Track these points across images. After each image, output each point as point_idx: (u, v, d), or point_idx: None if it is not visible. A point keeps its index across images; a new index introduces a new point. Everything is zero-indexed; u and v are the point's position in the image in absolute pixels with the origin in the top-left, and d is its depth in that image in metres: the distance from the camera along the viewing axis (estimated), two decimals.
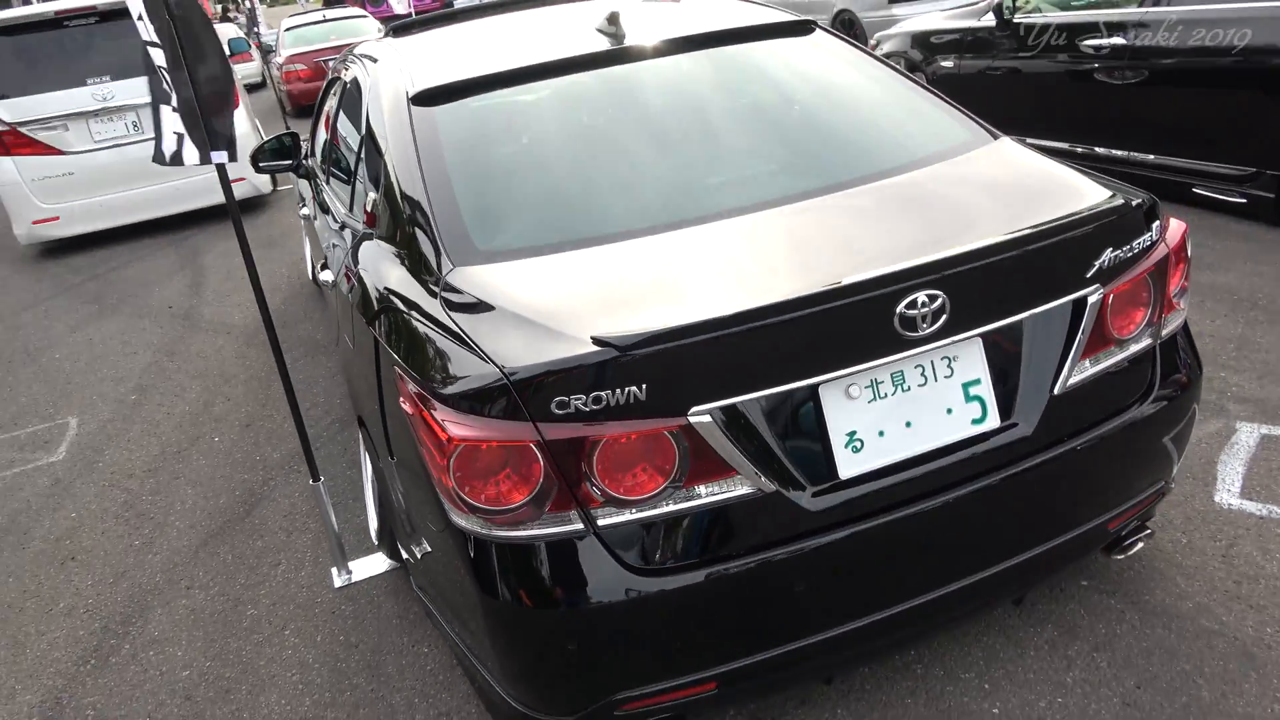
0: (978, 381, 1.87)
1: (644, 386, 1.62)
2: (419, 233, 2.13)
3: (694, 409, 1.65)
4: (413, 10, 17.82)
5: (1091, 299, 1.90)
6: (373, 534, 2.91)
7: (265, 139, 4.34)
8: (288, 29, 14.02)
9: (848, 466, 1.78)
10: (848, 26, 10.70)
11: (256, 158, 4.25)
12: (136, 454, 3.87)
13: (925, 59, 6.40)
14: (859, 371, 1.75)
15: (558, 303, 1.81)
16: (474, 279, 1.93)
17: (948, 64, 6.20)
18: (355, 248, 2.54)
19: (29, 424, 4.34)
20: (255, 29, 13.45)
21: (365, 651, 2.51)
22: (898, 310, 1.70)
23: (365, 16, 14.37)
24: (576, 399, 1.62)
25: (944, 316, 1.74)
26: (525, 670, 1.80)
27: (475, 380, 1.66)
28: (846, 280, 1.68)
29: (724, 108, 2.52)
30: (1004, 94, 5.82)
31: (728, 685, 1.85)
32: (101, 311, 5.90)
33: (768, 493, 1.73)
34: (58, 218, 7.31)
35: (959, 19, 6.29)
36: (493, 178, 2.27)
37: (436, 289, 1.96)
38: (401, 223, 2.22)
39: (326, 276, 3.07)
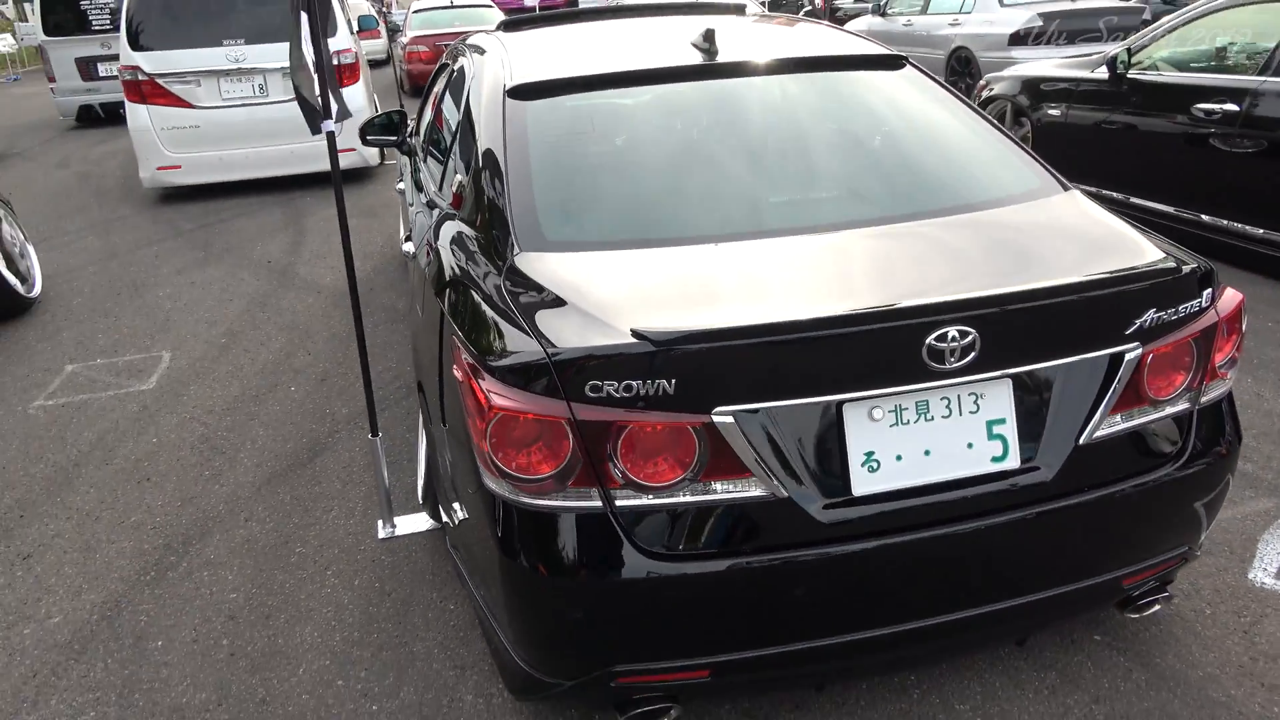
0: (1003, 421, 1.92)
1: (673, 381, 1.73)
2: (495, 217, 2.27)
3: (718, 409, 1.75)
4: (537, 5, 18.27)
5: (1129, 356, 1.93)
6: (419, 494, 3.07)
7: (376, 114, 4.57)
8: (415, 10, 14.54)
9: (862, 484, 1.85)
10: (964, 64, 10.61)
11: (365, 131, 4.49)
12: (219, 392, 4.14)
13: (1032, 105, 6.34)
14: (883, 395, 1.83)
15: (609, 295, 1.93)
16: (537, 265, 2.07)
17: (1054, 112, 6.14)
18: (438, 225, 2.71)
19: (126, 353, 4.66)
20: (384, 7, 13.98)
21: (397, 601, 2.67)
22: (927, 342, 1.76)
23: (491, 7, 14.79)
24: (609, 385, 1.73)
25: (973, 354, 1.79)
26: (533, 632, 1.92)
27: (520, 356, 1.79)
28: (878, 307, 1.77)
29: (801, 131, 2.60)
30: (1110, 149, 5.73)
31: (720, 675, 1.94)
32: (207, 258, 6.27)
33: (780, 498, 1.82)
34: (180, 166, 7.77)
35: (1071, 68, 6.22)
36: (569, 173, 2.40)
37: (502, 270, 2.10)
38: (481, 206, 2.36)
39: (409, 248, 3.25)
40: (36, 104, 14.60)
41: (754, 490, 1.82)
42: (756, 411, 1.78)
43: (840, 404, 1.82)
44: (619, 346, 1.73)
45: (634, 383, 1.73)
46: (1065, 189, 2.46)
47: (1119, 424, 1.99)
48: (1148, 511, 2.07)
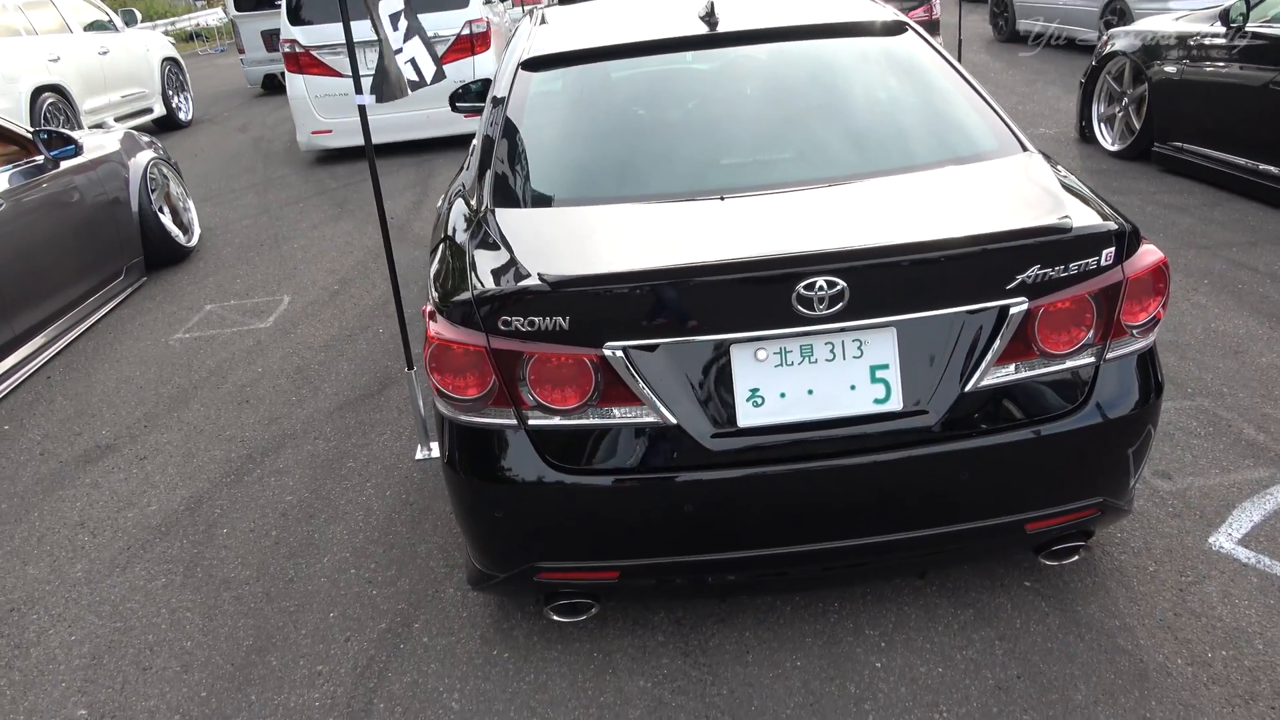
0: (886, 366, 2.09)
1: (568, 319, 2.02)
2: (481, 175, 2.61)
3: (609, 344, 2.03)
4: None
5: (1014, 310, 2.06)
6: None
7: (471, 81, 4.97)
8: None
9: (747, 417, 2.09)
10: (1120, 16, 10.00)
11: (455, 99, 4.91)
12: (320, 331, 4.72)
13: (1145, 63, 6.04)
14: (766, 338, 2.05)
15: (541, 245, 2.23)
16: (502, 220, 2.39)
17: (1170, 69, 5.84)
18: (451, 183, 3.08)
19: (255, 296, 5.35)
20: None
21: (415, 510, 3.10)
22: (796, 290, 1.97)
23: None
24: (517, 320, 2.04)
25: (842, 303, 1.98)
26: (471, 531, 2.28)
27: (456, 295, 2.13)
28: (749, 257, 1.99)
29: (775, 97, 2.79)
30: (1227, 108, 5.42)
31: (627, 578, 2.23)
32: (340, 214, 6.96)
33: (670, 425, 2.08)
34: (331, 130, 8.55)
35: (1193, 21, 5.88)
36: (549, 138, 2.70)
37: (471, 224, 2.45)
38: (477, 165, 2.71)
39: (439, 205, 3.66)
40: (234, 74, 16.11)
41: (648, 417, 2.09)
42: (647, 348, 2.04)
43: (728, 344, 2.05)
44: (523, 288, 2.04)
45: (536, 319, 2.03)
46: (1024, 150, 2.54)
47: (1011, 374, 2.12)
48: (1044, 460, 2.18)
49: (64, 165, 5.03)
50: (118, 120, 10.31)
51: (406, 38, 3.31)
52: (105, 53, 10.28)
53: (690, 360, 2.06)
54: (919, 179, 2.36)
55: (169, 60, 11.81)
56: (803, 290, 1.97)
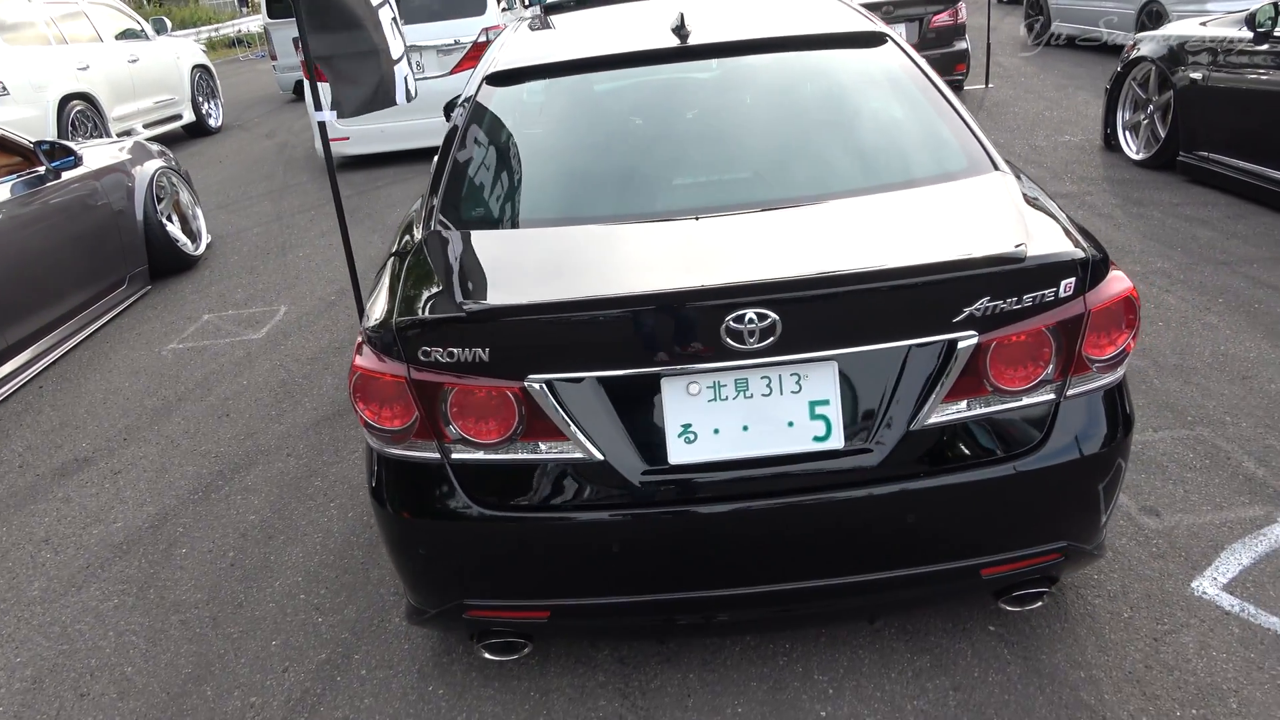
0: (826, 402, 1.97)
1: (488, 350, 1.93)
2: (430, 195, 2.54)
3: (531, 376, 1.94)
4: None
5: (963, 344, 1.93)
6: None
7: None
8: None
9: (678, 454, 1.98)
10: (1155, 19, 9.69)
11: (449, 109, 4.86)
12: (310, 344, 4.69)
13: (1170, 69, 5.82)
14: (700, 371, 1.94)
15: (474, 270, 2.16)
16: (439, 243, 2.32)
17: (1195, 75, 5.61)
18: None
19: (253, 306, 5.35)
20: None
21: (373, 533, 3.04)
22: (726, 322, 1.86)
23: None
24: (436, 351, 1.96)
25: (774, 335, 1.87)
26: (399, 566, 2.20)
27: (379, 323, 2.06)
28: (677, 289, 1.89)
29: (738, 114, 2.68)
30: (1250, 116, 5.19)
31: (559, 618, 2.14)
32: (351, 221, 6.94)
33: (596, 462, 1.98)
34: (348, 138, 8.57)
35: (1220, 26, 5.65)
36: (499, 156, 2.62)
37: (412, 247, 2.37)
38: (429, 184, 2.64)
39: None
40: (270, 79, 16.28)
41: (574, 453, 1.99)
42: (572, 380, 1.95)
43: (658, 377, 1.95)
44: (441, 317, 1.96)
45: (455, 350, 1.95)
46: (995, 169, 2.40)
47: (962, 411, 1.99)
48: (1000, 503, 2.05)
49: (65, 176, 5.06)
50: (147, 127, 10.47)
51: (405, 54, 3.27)
52: (135, 60, 10.43)
53: (619, 394, 1.96)
54: (876, 201, 2.24)
55: (199, 68, 11.97)
56: (732, 323, 1.86)
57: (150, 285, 5.81)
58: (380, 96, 3.45)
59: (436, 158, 2.80)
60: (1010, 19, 14.45)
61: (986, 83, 9.56)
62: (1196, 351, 3.70)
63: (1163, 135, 6.03)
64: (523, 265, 2.15)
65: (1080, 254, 1.98)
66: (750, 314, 1.85)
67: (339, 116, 3.41)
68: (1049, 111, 8.19)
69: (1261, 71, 5.13)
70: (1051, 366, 2.00)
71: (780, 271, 1.90)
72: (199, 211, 6.51)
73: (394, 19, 3.74)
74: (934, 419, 1.98)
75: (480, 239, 2.30)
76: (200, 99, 11.83)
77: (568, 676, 2.36)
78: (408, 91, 3.63)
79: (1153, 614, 2.38)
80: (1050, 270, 1.94)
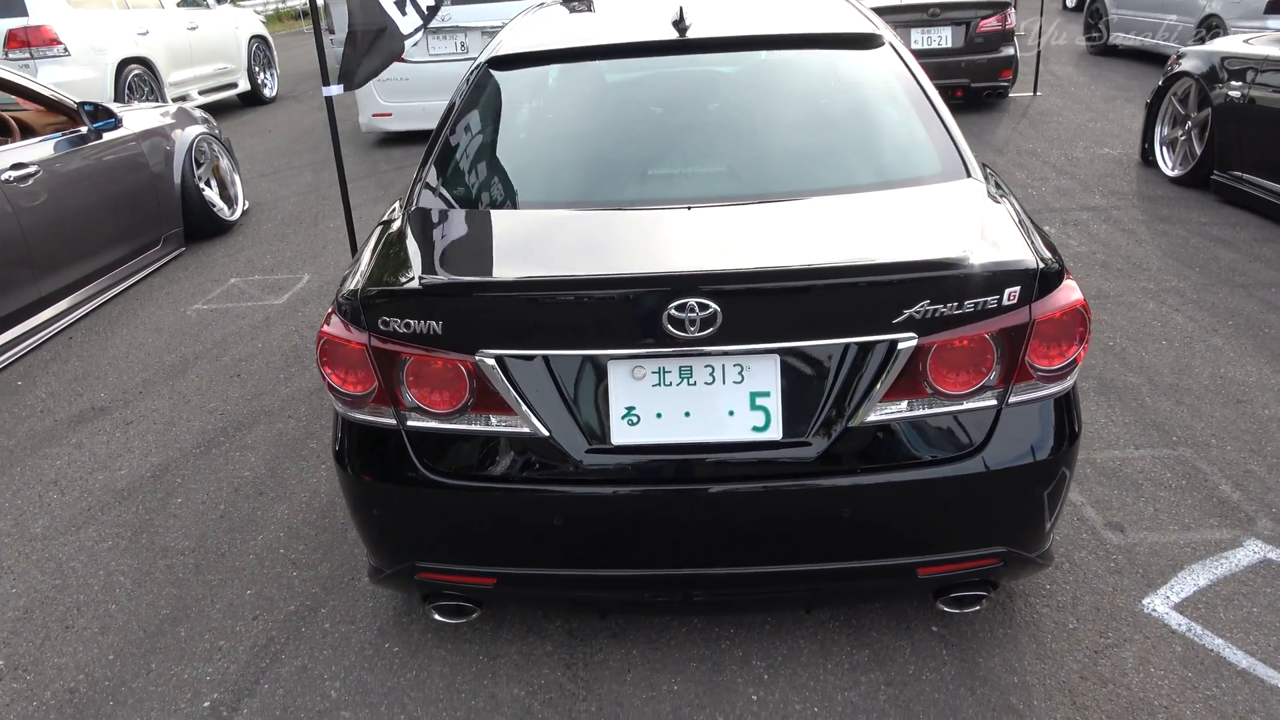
0: (767, 394, 2.03)
1: (441, 323, 2.01)
2: (419, 173, 2.63)
3: (481, 351, 2.02)
4: None
5: (902, 345, 1.97)
6: None
7: None
8: None
9: (621, 435, 2.05)
10: (1215, 33, 9.46)
11: None
12: (324, 310, 4.82)
13: (1210, 85, 5.70)
14: (646, 356, 2.01)
15: (440, 246, 2.25)
16: (417, 219, 2.41)
17: (1233, 93, 5.50)
18: None
19: (279, 272, 5.51)
20: None
21: None
22: (668, 310, 1.92)
23: None
24: (395, 321, 2.05)
25: (714, 325, 1.93)
26: (358, 526, 2.30)
27: (348, 291, 2.15)
28: (621, 274, 1.95)
29: (722, 108, 2.73)
30: None
31: (503, 585, 2.22)
32: (383, 196, 7.11)
33: (541, 437, 2.06)
34: (391, 114, 8.74)
35: (1263, 45, 5.52)
36: (486, 139, 2.70)
37: (394, 221, 2.47)
38: (421, 160, 2.73)
39: None
40: (327, 52, 16.64)
41: (521, 427, 2.07)
42: (522, 357, 2.02)
43: (605, 359, 2.02)
44: (400, 289, 2.05)
45: (412, 321, 2.03)
46: (966, 176, 2.41)
47: (901, 411, 2.03)
48: (936, 504, 2.09)
49: (106, 137, 5.26)
50: (202, 94, 10.76)
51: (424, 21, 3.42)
52: (194, 28, 10.71)
53: (567, 373, 2.04)
54: (840, 202, 2.28)
55: (258, 38, 12.23)
56: (674, 311, 1.92)
57: (184, 247, 6.01)
58: (360, 75, 3.59)
59: (433, 134, 2.90)
60: (1073, 26, 14.18)
61: (1035, 90, 9.42)
62: (1195, 372, 3.66)
63: (1199, 153, 5.92)
64: (487, 245, 2.24)
65: (1027, 264, 2.00)
66: (692, 303, 1.91)
67: (345, 88, 3.51)
68: (1093, 123, 8.06)
69: None
70: (994, 373, 2.03)
71: (724, 263, 1.96)
72: (237, 178, 6.70)
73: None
74: (873, 417, 2.02)
75: (454, 217, 2.39)
76: (256, 69, 12.09)
77: (517, 644, 2.45)
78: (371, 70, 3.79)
79: (1098, 627, 2.40)
80: (993, 278, 1.97)
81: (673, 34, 2.80)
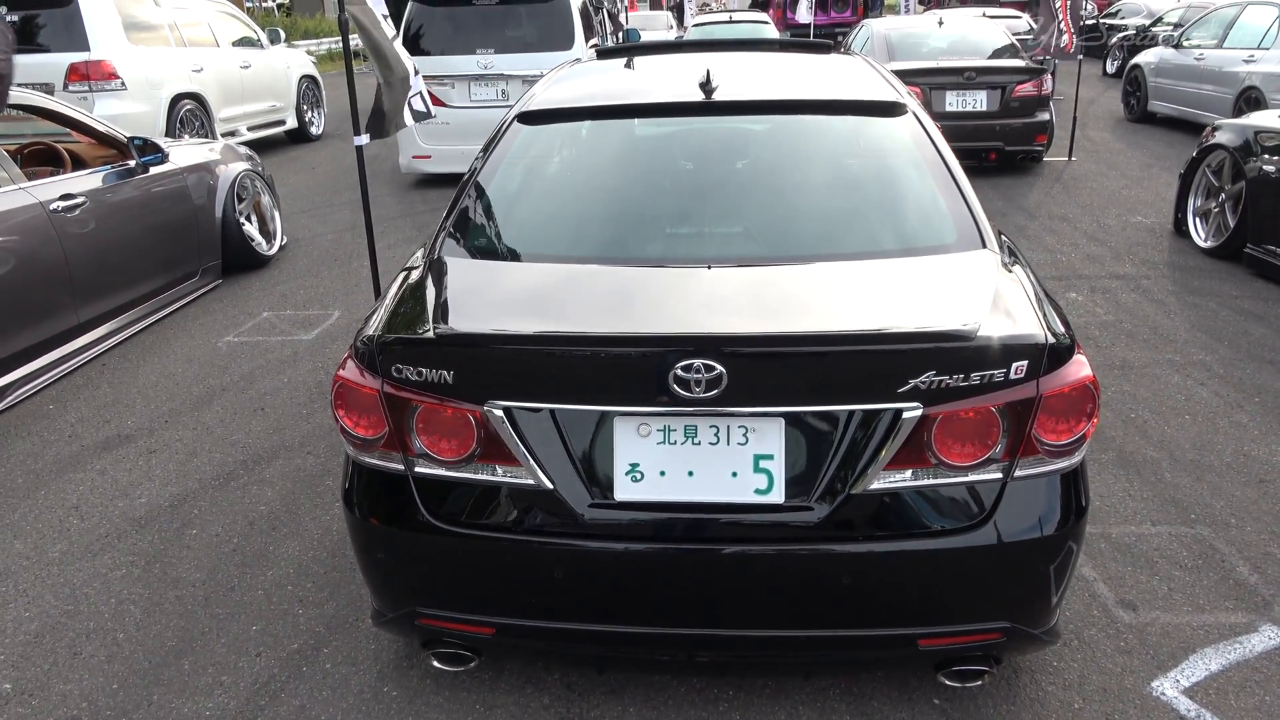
0: (770, 457, 2.04)
1: (452, 373, 2.05)
2: (443, 221, 2.69)
3: (490, 402, 2.05)
4: (812, 22, 18.34)
5: (907, 415, 1.97)
6: None
7: None
8: (695, 25, 15.25)
9: (624, 491, 2.07)
10: (1254, 105, 9.44)
11: None
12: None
13: (1244, 158, 5.68)
14: (652, 414, 2.03)
15: (456, 297, 2.30)
16: (437, 269, 2.46)
17: (1269, 167, 5.47)
18: None
19: (310, 308, 5.62)
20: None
21: None
22: (674, 370, 1.95)
23: (766, 23, 15.15)
24: (408, 369, 2.09)
25: (719, 387, 1.94)
26: (362, 567, 2.33)
27: (364, 337, 2.20)
28: (628, 333, 1.99)
29: (743, 172, 2.77)
30: None
31: (502, 635, 2.23)
32: (417, 237, 7.24)
33: (544, 489, 2.08)
34: (430, 156, 8.93)
35: None
36: (512, 192, 2.76)
37: (415, 270, 2.52)
38: (445, 211, 2.80)
39: None
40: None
41: (526, 479, 2.09)
42: (530, 410, 2.05)
43: (611, 416, 2.04)
44: (413, 338, 2.10)
45: (424, 370, 2.08)
46: (982, 247, 2.42)
47: (906, 480, 2.03)
48: (938, 575, 2.07)
49: (153, 170, 5.43)
50: (251, 130, 11.07)
51: (417, 72, 3.52)
52: (247, 67, 11.05)
53: (573, 428, 2.06)
54: (852, 268, 2.30)
55: (307, 78, 12.59)
56: (680, 371, 1.94)
57: (221, 279, 6.15)
58: (396, 119, 3.70)
59: (459, 183, 2.97)
60: (1111, 93, 14.21)
61: (1070, 155, 9.43)
62: (1217, 449, 3.61)
63: (1232, 225, 5.88)
64: (503, 297, 2.28)
65: (1036, 338, 2.01)
66: (698, 364, 1.94)
67: (372, 138, 3.62)
68: (1127, 190, 8.04)
69: None
70: (999, 446, 2.03)
71: (731, 326, 1.99)
72: (277, 214, 6.87)
73: (397, 43, 4.03)
74: (876, 485, 2.02)
75: (473, 269, 2.44)
76: (305, 107, 12.43)
77: (514, 695, 2.45)
78: (417, 111, 3.89)
79: (1105, 708, 2.35)
80: (1001, 351, 1.97)
81: (699, 95, 2.85)
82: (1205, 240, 6.20)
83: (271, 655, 2.63)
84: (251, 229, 6.46)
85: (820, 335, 1.96)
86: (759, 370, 1.97)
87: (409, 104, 3.82)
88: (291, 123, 12.12)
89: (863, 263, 2.32)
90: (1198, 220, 6.35)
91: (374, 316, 2.32)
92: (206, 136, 9.88)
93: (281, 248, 6.84)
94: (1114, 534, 3.06)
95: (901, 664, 2.40)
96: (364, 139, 3.60)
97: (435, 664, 2.36)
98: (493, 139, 3.00)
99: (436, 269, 2.46)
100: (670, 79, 3.18)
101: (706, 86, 2.89)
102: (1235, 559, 2.93)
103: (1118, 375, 4.30)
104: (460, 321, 2.14)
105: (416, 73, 3.85)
